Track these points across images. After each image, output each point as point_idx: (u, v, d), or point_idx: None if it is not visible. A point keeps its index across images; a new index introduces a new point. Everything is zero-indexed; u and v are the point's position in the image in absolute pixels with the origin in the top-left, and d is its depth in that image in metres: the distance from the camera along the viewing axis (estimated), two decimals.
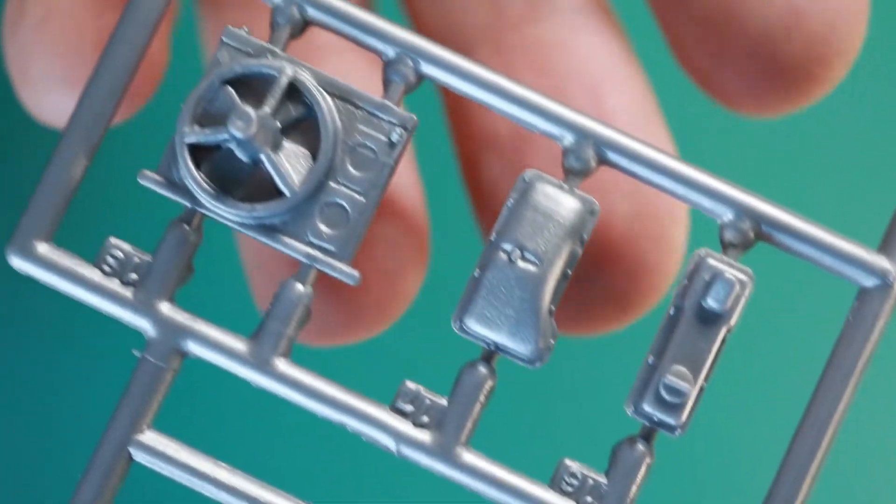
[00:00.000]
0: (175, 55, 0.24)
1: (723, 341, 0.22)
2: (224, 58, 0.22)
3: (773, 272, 0.23)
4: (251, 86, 0.22)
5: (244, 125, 0.21)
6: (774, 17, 0.23)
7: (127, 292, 0.22)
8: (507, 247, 0.22)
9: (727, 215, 0.22)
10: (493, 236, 0.22)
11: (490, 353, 0.22)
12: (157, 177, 0.22)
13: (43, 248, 0.22)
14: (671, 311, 0.22)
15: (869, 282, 0.22)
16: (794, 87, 0.23)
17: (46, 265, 0.22)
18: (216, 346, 0.22)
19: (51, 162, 0.22)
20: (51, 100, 0.23)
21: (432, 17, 0.25)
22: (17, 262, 0.22)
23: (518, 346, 0.22)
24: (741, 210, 0.22)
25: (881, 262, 0.22)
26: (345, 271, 0.22)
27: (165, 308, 0.22)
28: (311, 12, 0.22)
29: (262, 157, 0.21)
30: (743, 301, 0.22)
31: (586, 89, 0.24)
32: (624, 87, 0.24)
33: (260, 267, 0.24)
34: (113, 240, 0.22)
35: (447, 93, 0.25)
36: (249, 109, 0.21)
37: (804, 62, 0.23)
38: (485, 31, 0.24)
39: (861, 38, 0.23)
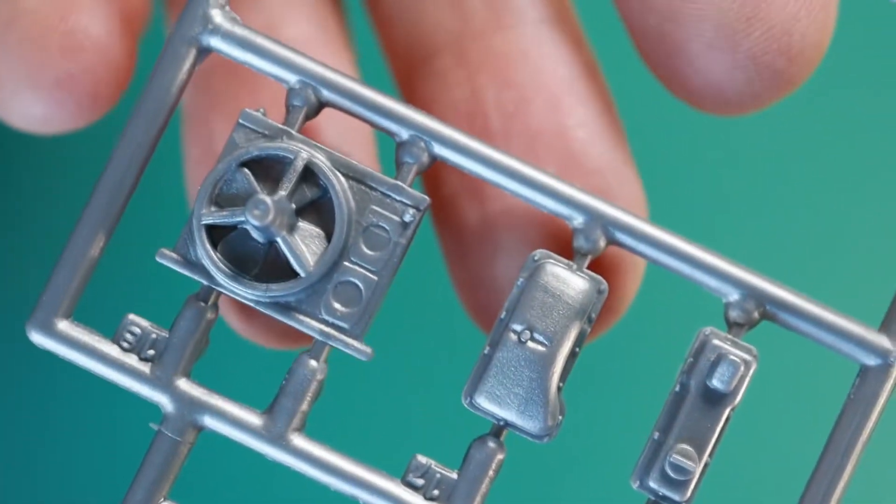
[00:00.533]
0: (145, 60, 0.24)
1: (727, 419, 0.22)
2: (240, 139, 0.22)
3: (777, 347, 0.23)
4: (266, 165, 0.22)
5: (261, 214, 0.21)
6: (735, 8, 0.22)
7: (144, 368, 0.22)
8: (518, 327, 0.21)
9: (733, 295, 0.22)
10: (502, 315, 0.22)
11: (499, 428, 0.22)
12: (174, 255, 0.22)
13: (63, 324, 0.22)
14: (676, 388, 0.22)
15: (870, 360, 0.22)
16: (757, 81, 0.22)
17: (66, 341, 0.22)
18: (232, 420, 0.22)
19: (70, 239, 0.22)
20: (17, 103, 0.22)
21: (398, 23, 0.25)
22: (38, 338, 0.22)
23: (527, 423, 0.22)
24: (746, 290, 0.22)
25: (882, 341, 0.22)
26: (358, 348, 0.22)
27: (182, 383, 0.22)
28: (326, 94, 0.22)
29: (279, 239, 0.21)
30: (747, 380, 0.21)
31: (548, 103, 0.23)
32: (585, 101, 0.24)
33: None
34: (131, 316, 0.22)
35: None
36: (266, 198, 0.21)
37: (766, 54, 0.22)
38: (449, 40, 0.24)
39: (829, 32, 0.22)
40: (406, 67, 0.25)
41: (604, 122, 0.24)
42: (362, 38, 0.26)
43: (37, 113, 0.22)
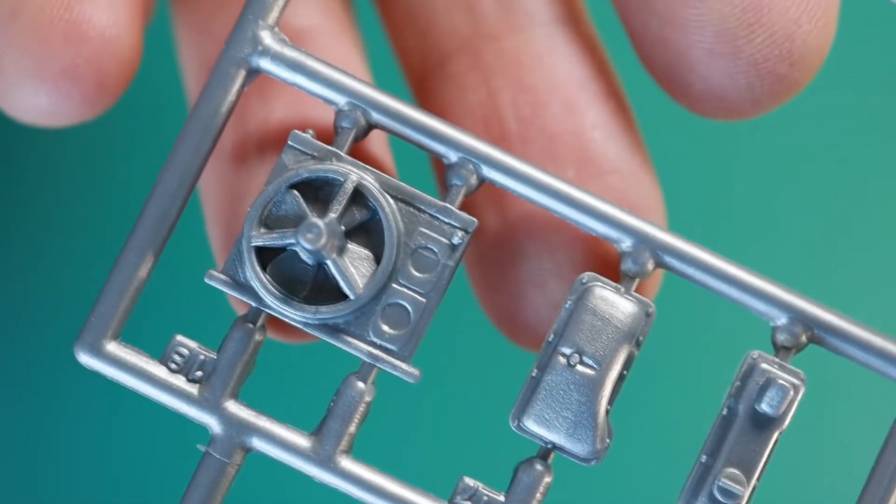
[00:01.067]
0: (151, 53, 0.23)
1: (775, 443, 0.21)
2: (289, 161, 0.21)
3: (824, 369, 0.23)
4: (315, 186, 0.21)
5: (314, 237, 0.20)
6: (736, 14, 0.21)
7: (193, 389, 0.21)
8: (567, 351, 0.21)
9: (780, 319, 0.21)
10: (550, 337, 0.21)
11: (547, 451, 0.21)
12: (223, 277, 0.21)
13: (111, 346, 0.21)
14: (724, 412, 0.21)
15: None
16: (758, 87, 0.21)
17: (114, 363, 0.21)
18: (280, 443, 0.21)
19: (118, 261, 0.21)
20: (21, 95, 0.21)
21: (410, 28, 0.24)
22: (86, 360, 0.21)
23: (575, 446, 0.21)
24: (794, 314, 0.21)
25: None
26: (406, 370, 0.21)
27: (230, 405, 0.21)
28: (375, 116, 0.22)
29: (329, 262, 0.21)
30: (796, 404, 0.21)
31: (563, 105, 0.23)
32: (600, 102, 0.23)
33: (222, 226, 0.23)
34: (179, 337, 0.21)
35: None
36: (318, 221, 0.20)
37: (767, 60, 0.21)
38: (462, 43, 0.23)
39: (830, 37, 0.21)
40: (420, 72, 0.24)
41: (619, 122, 0.23)
42: (375, 41, 0.25)
43: (42, 104, 0.21)
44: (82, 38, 0.21)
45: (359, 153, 0.22)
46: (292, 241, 0.21)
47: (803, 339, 0.21)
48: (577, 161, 0.23)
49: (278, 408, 0.21)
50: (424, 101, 0.24)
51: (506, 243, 0.23)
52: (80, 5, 0.21)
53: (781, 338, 0.21)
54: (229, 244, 0.22)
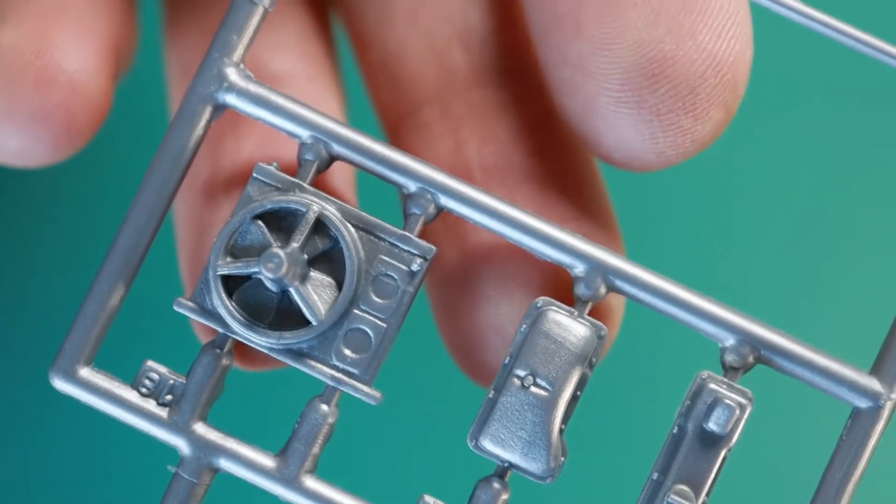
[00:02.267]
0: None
1: (723, 460, 0.20)
2: (254, 192, 0.21)
3: (772, 390, 0.22)
4: (279, 216, 0.21)
5: (275, 266, 0.20)
6: (642, 64, 0.20)
7: (162, 413, 0.21)
8: (521, 373, 0.20)
9: (729, 340, 0.21)
10: (506, 360, 0.21)
11: (504, 470, 0.21)
12: (191, 304, 0.21)
13: (84, 371, 0.21)
14: (674, 430, 0.20)
15: (862, 403, 0.21)
16: (662, 138, 0.20)
17: (87, 387, 0.21)
18: (246, 463, 0.21)
19: (91, 289, 0.21)
20: None
21: (384, 76, 0.24)
22: (60, 385, 0.21)
23: (530, 465, 0.20)
24: (742, 335, 0.21)
25: (873, 384, 0.21)
26: (368, 393, 0.21)
27: (199, 427, 0.21)
28: (337, 149, 0.21)
29: (291, 289, 0.20)
30: (742, 423, 0.20)
31: (527, 154, 0.22)
32: (563, 150, 0.23)
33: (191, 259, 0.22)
34: (149, 363, 0.21)
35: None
36: (279, 251, 0.20)
37: (670, 112, 0.20)
38: (433, 94, 0.23)
39: (738, 93, 0.20)
40: (393, 118, 0.24)
41: (582, 171, 0.22)
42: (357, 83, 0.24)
43: (13, 146, 0.21)
44: (51, 83, 0.21)
45: (322, 185, 0.22)
46: (256, 269, 0.20)
47: (750, 359, 0.21)
48: (538, 210, 0.22)
49: (245, 430, 0.21)
50: (396, 146, 0.23)
51: (464, 274, 0.22)
52: (51, 52, 0.21)
53: (729, 358, 0.21)
54: (197, 273, 0.22)
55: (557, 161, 0.22)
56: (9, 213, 0.30)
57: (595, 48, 0.20)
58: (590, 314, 0.21)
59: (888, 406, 0.21)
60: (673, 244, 0.29)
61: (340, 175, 0.22)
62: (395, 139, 0.23)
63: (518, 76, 0.23)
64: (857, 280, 0.30)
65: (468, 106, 0.22)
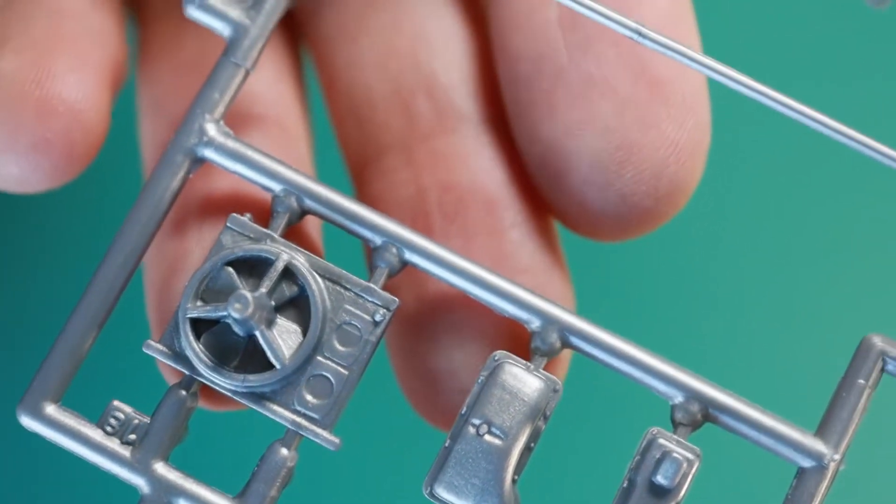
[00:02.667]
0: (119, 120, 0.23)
1: None
2: (227, 241, 0.21)
3: (722, 447, 0.22)
4: (250, 265, 0.21)
5: (242, 307, 0.20)
6: (609, 150, 0.21)
7: (125, 452, 0.20)
8: (476, 421, 0.20)
9: (678, 398, 0.21)
10: (463, 410, 0.20)
11: None
12: (160, 346, 0.21)
13: (50, 408, 0.21)
14: (625, 484, 0.20)
15: (806, 463, 0.20)
16: (626, 216, 0.21)
17: (52, 425, 0.20)
18: None
19: (63, 331, 0.21)
20: None
21: (351, 122, 0.24)
22: (26, 421, 0.20)
23: None
24: (690, 394, 0.21)
25: (818, 445, 0.20)
26: (327, 438, 0.20)
27: (160, 467, 0.20)
28: (308, 203, 0.21)
29: (257, 333, 0.20)
30: (690, 477, 0.20)
31: (484, 205, 0.22)
32: (520, 202, 0.23)
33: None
34: (116, 402, 0.21)
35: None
36: (247, 293, 0.20)
37: (635, 195, 0.21)
38: (397, 141, 0.23)
39: (696, 176, 0.21)
40: (358, 163, 0.24)
41: (536, 223, 0.23)
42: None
43: (13, 174, 0.21)
44: (52, 112, 0.21)
45: (293, 236, 0.22)
46: (225, 313, 0.20)
47: (699, 417, 0.21)
48: (492, 259, 0.22)
49: (206, 470, 0.20)
50: (361, 190, 0.23)
51: (420, 320, 0.22)
52: (51, 82, 0.21)
53: (679, 415, 0.21)
54: (163, 313, 0.22)
55: (514, 211, 0.23)
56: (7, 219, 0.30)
57: (566, 132, 0.21)
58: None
59: (832, 466, 0.20)
60: (628, 301, 0.29)
61: (310, 227, 0.22)
62: (359, 183, 0.23)
63: (482, 124, 0.23)
64: (808, 342, 0.30)
65: (431, 153, 0.23)
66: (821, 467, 0.20)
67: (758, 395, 0.21)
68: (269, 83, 0.23)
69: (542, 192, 0.22)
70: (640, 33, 0.20)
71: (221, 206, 0.22)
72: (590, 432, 0.24)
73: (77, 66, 0.21)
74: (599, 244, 0.22)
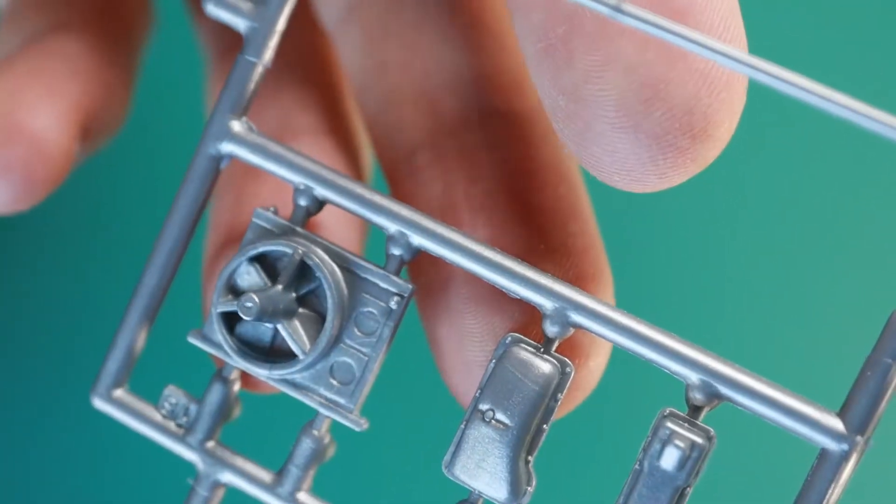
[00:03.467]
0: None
1: (681, 496, 0.19)
2: (252, 235, 0.21)
3: (745, 427, 0.20)
4: (274, 257, 0.20)
5: (248, 311, 0.20)
6: (634, 88, 0.18)
7: (180, 432, 0.21)
8: (484, 407, 0.19)
9: (692, 377, 0.19)
10: (477, 393, 0.19)
11: (476, 497, 0.20)
12: (201, 336, 0.21)
13: (118, 393, 0.21)
14: (636, 466, 0.19)
15: (827, 443, 0.18)
16: (661, 160, 0.18)
17: (121, 407, 0.21)
18: (249, 479, 0.21)
19: (121, 324, 0.21)
20: None
21: (379, 121, 0.23)
22: (99, 404, 0.21)
23: (496, 493, 0.19)
24: (706, 374, 0.19)
25: (839, 425, 0.18)
26: (353, 420, 0.20)
27: (210, 445, 0.21)
28: (326, 193, 0.20)
29: (278, 326, 0.20)
30: (697, 462, 0.18)
31: (513, 193, 0.21)
32: (549, 187, 0.21)
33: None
34: (170, 388, 0.21)
35: None
36: (254, 296, 0.20)
37: (668, 133, 0.18)
38: (425, 138, 0.22)
39: (735, 111, 0.18)
40: (390, 163, 0.23)
41: (567, 203, 0.21)
42: None
43: (5, 196, 0.21)
44: (15, 140, 0.21)
45: (314, 226, 0.21)
46: None
47: (714, 397, 0.19)
48: (523, 247, 0.21)
49: (253, 448, 0.21)
50: (394, 189, 0.22)
51: (451, 313, 0.21)
52: (19, 112, 0.21)
53: (693, 396, 0.19)
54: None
55: (544, 198, 0.21)
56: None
57: (587, 76, 0.19)
58: (574, 349, 0.19)
59: (855, 447, 0.18)
60: (646, 280, 0.27)
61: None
62: (392, 182, 0.22)
63: (505, 117, 0.21)
64: (835, 319, 0.26)
65: (458, 149, 0.21)
66: (842, 448, 0.18)
67: (781, 377, 0.18)
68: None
69: (572, 148, 0.20)
70: (619, 10, 0.17)
71: None
72: (610, 412, 0.22)
73: (46, 100, 0.21)
74: (620, 224, 0.20)
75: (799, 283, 0.27)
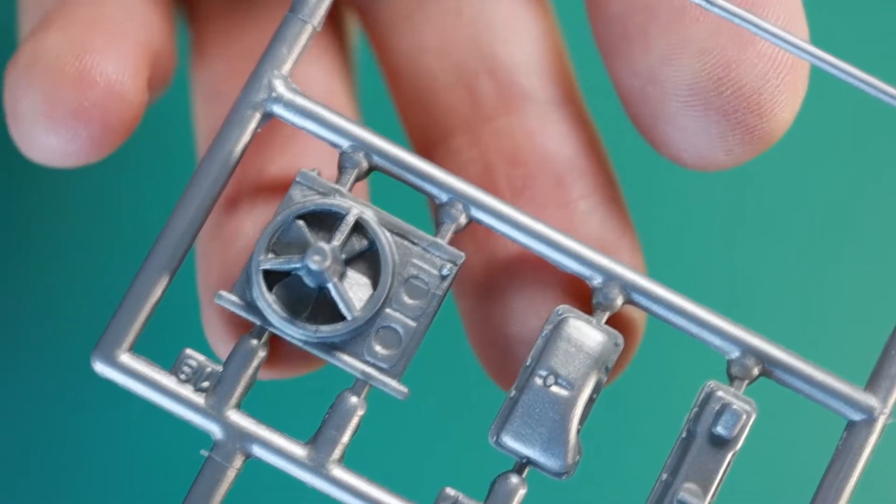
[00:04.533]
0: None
1: (729, 463, 0.19)
2: (297, 195, 0.20)
3: (776, 401, 0.21)
4: (319, 219, 0.20)
5: (321, 259, 0.19)
6: (707, 69, 0.19)
7: (199, 398, 0.19)
8: (543, 373, 0.19)
9: (734, 353, 0.20)
10: (528, 362, 0.19)
11: (522, 466, 0.19)
12: (232, 297, 0.19)
13: (124, 357, 0.19)
14: (683, 435, 0.19)
15: (856, 416, 0.20)
16: (731, 138, 0.20)
17: (126, 372, 0.19)
18: (277, 451, 0.19)
19: (136, 278, 0.19)
20: (35, 135, 0.20)
21: (415, 104, 0.23)
22: (100, 368, 0.19)
23: (549, 461, 0.19)
24: (746, 349, 0.20)
25: (868, 399, 0.20)
26: (395, 388, 0.19)
27: (233, 414, 0.19)
28: (376, 159, 0.20)
29: (330, 285, 0.19)
30: (748, 428, 0.19)
31: (552, 179, 0.21)
32: (587, 175, 0.22)
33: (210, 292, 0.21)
34: (188, 351, 0.19)
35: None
36: (325, 245, 0.19)
37: (737, 112, 0.20)
38: (462, 123, 0.22)
39: (799, 92, 0.20)
40: (425, 147, 0.23)
41: (604, 194, 0.22)
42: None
43: (53, 144, 0.20)
44: (90, 84, 0.20)
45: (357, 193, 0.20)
46: (298, 265, 0.19)
47: (754, 371, 0.20)
48: (563, 229, 0.21)
49: (277, 419, 0.19)
50: None
51: (491, 287, 0.21)
52: (90, 56, 0.20)
53: (735, 370, 0.20)
54: (211, 288, 0.20)
55: (583, 184, 0.21)
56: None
57: (663, 59, 0.20)
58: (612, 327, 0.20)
59: (881, 420, 0.19)
60: (684, 258, 0.28)
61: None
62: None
63: (548, 103, 0.22)
64: (862, 297, 0.28)
65: (496, 133, 0.21)
66: (870, 420, 0.19)
67: (812, 352, 0.20)
68: (320, 78, 0.22)
69: (644, 130, 0.21)
70: (710, 1, 0.19)
71: (275, 186, 0.20)
72: (646, 386, 0.23)
73: (116, 44, 0.20)
74: (653, 197, 0.21)
75: (823, 259, 0.28)
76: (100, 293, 0.27)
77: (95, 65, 0.20)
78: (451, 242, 0.20)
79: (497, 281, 0.21)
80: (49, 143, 0.20)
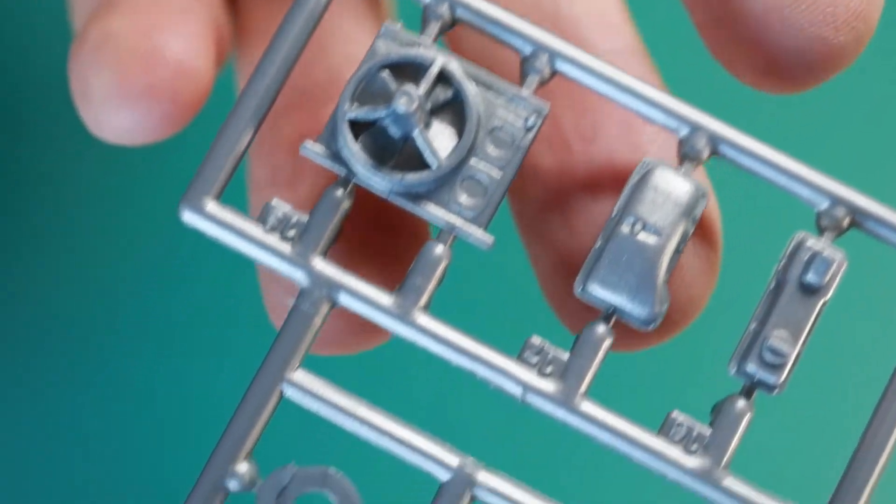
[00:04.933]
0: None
1: (819, 312, 0.19)
2: (381, 48, 0.20)
3: (861, 260, 0.20)
4: (402, 71, 0.19)
5: (408, 101, 0.19)
6: None
7: (285, 247, 0.19)
8: (630, 220, 0.19)
9: (823, 204, 0.19)
10: (613, 213, 0.19)
11: (608, 315, 0.19)
12: (317, 148, 0.19)
13: (211, 205, 0.19)
14: (772, 285, 0.19)
15: None
16: (808, 53, 0.20)
17: (214, 220, 0.19)
18: (363, 298, 0.19)
19: (222, 128, 0.19)
20: (106, 114, 0.21)
21: (475, 54, 0.22)
22: (188, 217, 0.19)
23: (637, 308, 0.19)
24: (836, 200, 0.19)
25: None
26: (480, 238, 0.19)
27: (318, 263, 0.19)
28: (460, 12, 0.20)
29: (415, 132, 0.19)
30: (839, 278, 0.19)
31: (621, 125, 0.21)
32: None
33: (273, 282, 0.21)
34: (275, 200, 0.19)
35: None
36: (412, 88, 0.18)
37: (813, 25, 0.20)
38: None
39: (877, 4, 0.20)
40: None
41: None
42: None
43: (124, 122, 0.20)
44: (159, 62, 0.20)
45: None
46: (382, 114, 0.19)
47: (844, 222, 0.19)
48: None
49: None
50: None
51: (561, 202, 0.21)
52: (158, 34, 0.21)
53: (824, 221, 0.19)
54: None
55: (650, 129, 0.21)
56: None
57: None
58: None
59: None
60: (767, 107, 0.27)
61: None
62: None
63: (607, 51, 0.21)
64: None
65: (559, 83, 0.21)
66: None
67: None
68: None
69: (718, 52, 0.21)
70: None
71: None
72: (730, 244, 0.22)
73: (183, 23, 0.21)
74: None
75: None
76: (100, 293, 0.27)
77: (164, 43, 0.20)
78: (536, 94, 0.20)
79: (570, 198, 0.21)
80: (121, 121, 0.20)
